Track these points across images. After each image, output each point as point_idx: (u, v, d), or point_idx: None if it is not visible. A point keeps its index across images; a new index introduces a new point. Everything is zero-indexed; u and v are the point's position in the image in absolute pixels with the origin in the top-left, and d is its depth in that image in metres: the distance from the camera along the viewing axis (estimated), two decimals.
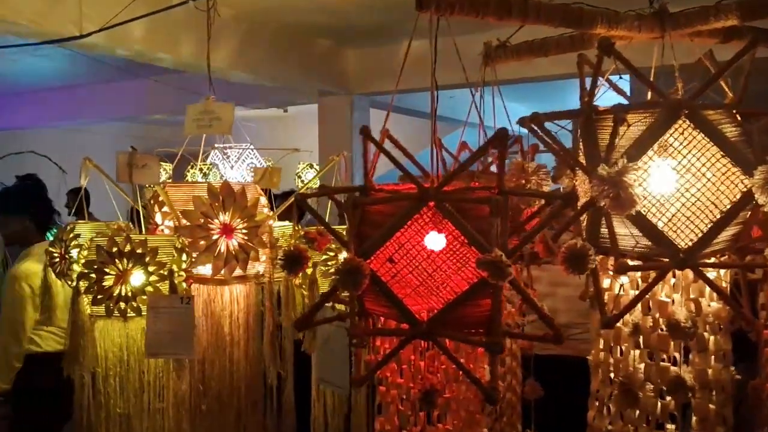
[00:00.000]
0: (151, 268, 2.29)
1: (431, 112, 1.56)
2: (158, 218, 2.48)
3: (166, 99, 7.48)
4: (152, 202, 2.49)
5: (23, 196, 3.52)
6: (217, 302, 2.46)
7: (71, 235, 2.32)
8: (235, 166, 7.90)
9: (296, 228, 2.63)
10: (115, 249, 2.27)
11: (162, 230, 2.47)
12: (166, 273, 2.33)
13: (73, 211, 2.66)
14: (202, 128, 2.60)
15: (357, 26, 5.28)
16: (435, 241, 1.18)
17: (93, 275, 2.28)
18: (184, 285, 2.37)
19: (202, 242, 2.44)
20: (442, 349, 1.19)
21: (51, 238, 4.02)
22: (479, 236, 1.12)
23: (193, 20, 3.77)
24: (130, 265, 2.27)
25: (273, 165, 3.02)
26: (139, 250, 2.28)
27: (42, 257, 3.06)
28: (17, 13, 3.85)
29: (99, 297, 2.28)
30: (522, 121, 1.71)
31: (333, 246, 2.57)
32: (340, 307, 1.50)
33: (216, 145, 8.29)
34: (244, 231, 2.45)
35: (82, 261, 2.33)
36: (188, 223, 2.44)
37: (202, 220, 2.44)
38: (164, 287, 2.32)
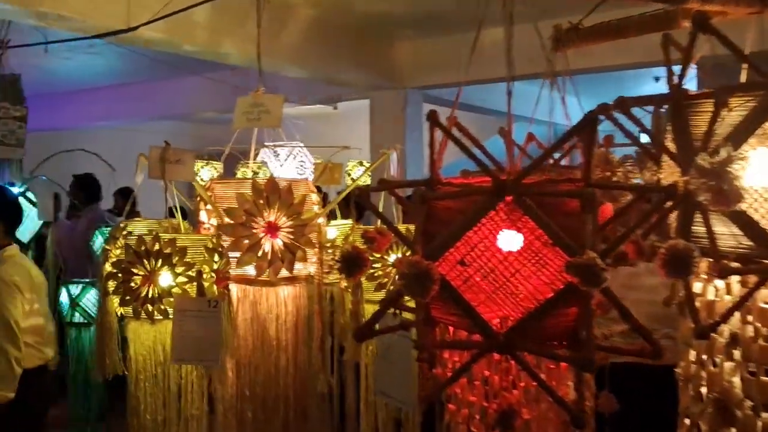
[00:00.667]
0: (178, 269, 2.15)
1: (507, 102, 1.38)
2: (203, 216, 2.35)
3: (218, 97, 7.44)
4: (199, 199, 2.37)
5: None
6: (263, 304, 2.32)
7: (124, 233, 2.21)
8: (285, 165, 7.83)
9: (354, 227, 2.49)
10: (143, 248, 2.15)
11: (207, 229, 2.34)
12: (195, 274, 2.18)
13: (126, 210, 2.54)
14: (251, 122, 2.47)
15: (410, 17, 5.10)
16: (511, 240, 1.00)
17: (120, 275, 2.17)
18: (215, 288, 2.23)
19: (245, 241, 2.31)
20: (522, 365, 1.01)
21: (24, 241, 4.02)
22: (565, 236, 0.94)
23: (249, 14, 3.70)
24: (158, 266, 2.14)
25: (331, 161, 2.86)
26: (167, 250, 2.15)
27: (17, 260, 3.04)
28: (69, 7, 3.81)
29: (127, 298, 2.16)
30: (604, 108, 1.51)
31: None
32: (405, 314, 1.34)
33: (266, 143, 8.26)
34: (290, 230, 2.32)
35: (111, 260, 2.23)
36: (231, 222, 2.32)
37: (246, 218, 2.31)
38: (208, 284, 2.19)
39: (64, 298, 3.47)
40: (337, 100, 6.73)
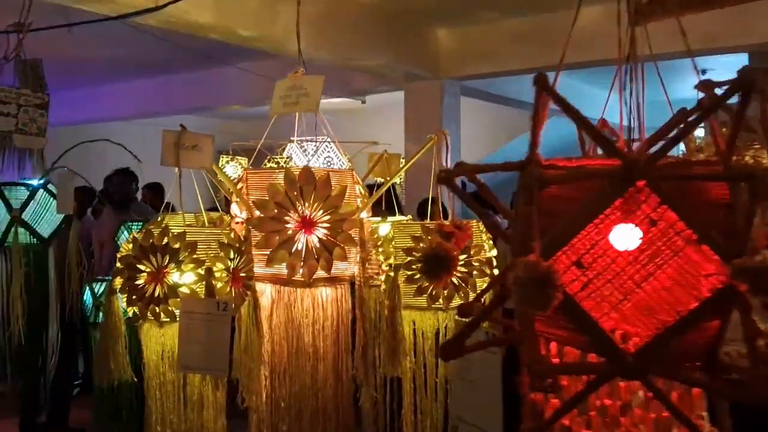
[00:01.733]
0: (185, 267, 1.94)
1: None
2: (234, 209, 2.16)
3: (247, 88, 7.28)
4: (231, 191, 2.18)
5: None
6: (298, 307, 2.12)
7: (162, 227, 2.02)
8: (312, 160, 7.67)
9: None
10: (150, 242, 1.95)
11: (240, 223, 2.15)
12: (205, 272, 1.97)
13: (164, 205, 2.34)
14: (289, 106, 2.27)
15: (448, 3, 4.87)
16: (627, 236, 0.79)
17: (126, 272, 1.98)
18: (233, 289, 2.02)
19: (276, 237, 2.12)
20: (656, 393, 0.80)
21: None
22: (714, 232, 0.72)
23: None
24: (166, 262, 1.94)
25: (387, 152, 2.65)
26: (175, 245, 1.94)
27: None
28: None
29: (133, 297, 1.97)
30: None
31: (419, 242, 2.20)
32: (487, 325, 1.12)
33: (292, 138, 8.10)
34: (327, 225, 2.12)
35: (120, 255, 2.03)
36: (261, 215, 2.13)
37: (277, 212, 2.12)
38: (219, 285, 1.98)
39: (87, 297, 3.27)
40: (368, 92, 6.50)
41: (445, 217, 2.34)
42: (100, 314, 3.16)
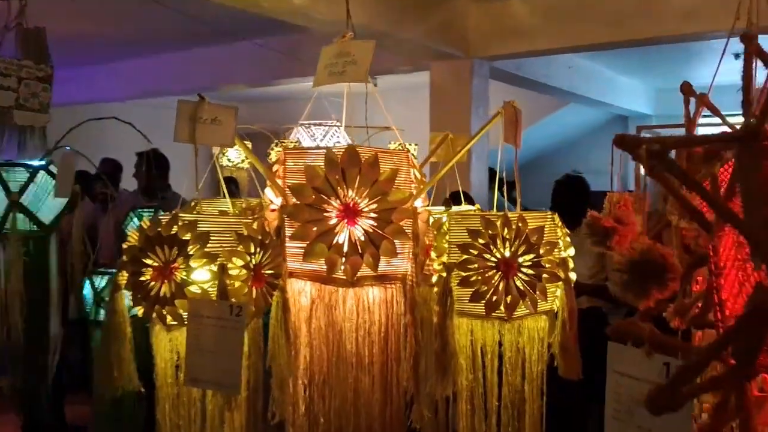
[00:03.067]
0: (195, 262, 1.68)
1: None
2: (269, 194, 1.91)
3: (253, 66, 7.01)
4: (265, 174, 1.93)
5: None
6: (339, 310, 1.88)
7: (193, 215, 1.76)
8: (321, 145, 7.42)
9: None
10: (157, 232, 1.70)
11: (274, 211, 1.90)
12: (219, 269, 1.71)
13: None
14: (334, 76, 2.01)
15: None
16: None
17: (130, 266, 1.72)
18: (252, 290, 1.76)
19: (314, 228, 1.86)
20: None
21: None
22: None
23: None
24: (173, 256, 1.69)
25: (451, 132, 2.38)
26: (185, 236, 1.69)
27: None
28: None
29: (138, 295, 1.72)
30: None
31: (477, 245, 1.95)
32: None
33: (300, 122, 7.82)
34: (375, 215, 1.87)
35: (125, 246, 1.77)
36: (297, 202, 1.88)
37: (315, 198, 1.87)
38: (236, 284, 1.72)
39: (87, 291, 2.98)
40: (391, 72, 6.22)
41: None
42: (101, 311, 2.89)
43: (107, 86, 8.09)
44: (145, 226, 1.66)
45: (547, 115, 8.30)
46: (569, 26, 4.67)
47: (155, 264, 1.63)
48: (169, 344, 1.64)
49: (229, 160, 6.95)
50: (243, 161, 6.99)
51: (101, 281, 2.99)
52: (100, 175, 4.83)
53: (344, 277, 1.87)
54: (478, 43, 4.91)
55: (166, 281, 1.62)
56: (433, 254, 1.96)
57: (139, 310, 1.66)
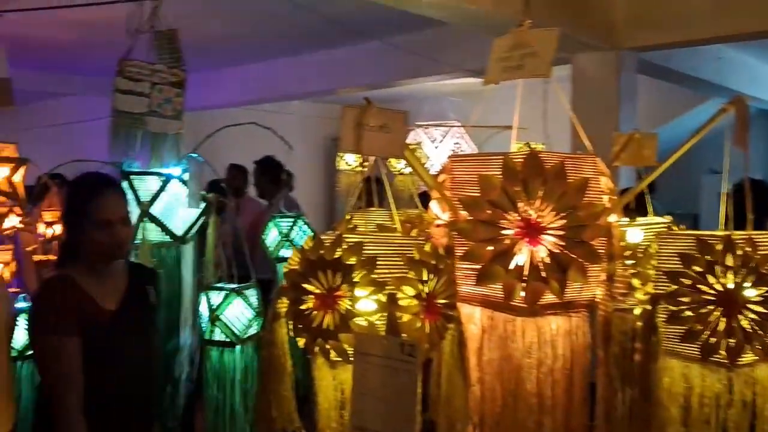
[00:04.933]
0: (360, 290, 1.47)
1: None
2: (434, 208, 1.69)
3: (374, 69, 6.87)
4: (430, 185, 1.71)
5: None
6: (517, 342, 1.63)
7: (347, 228, 1.57)
8: (440, 147, 7.18)
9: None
10: (320, 255, 1.48)
11: (441, 227, 1.68)
12: (387, 299, 1.48)
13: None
14: (510, 71, 1.78)
15: None
16: None
17: (290, 293, 1.52)
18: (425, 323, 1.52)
19: (489, 247, 1.62)
20: None
21: None
22: None
23: None
24: (337, 283, 1.48)
25: (638, 132, 2.09)
26: (349, 260, 1.48)
27: None
28: None
29: (299, 326, 1.53)
30: None
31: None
32: None
33: (417, 123, 7.62)
34: (561, 232, 1.60)
35: (287, 268, 1.58)
36: (468, 217, 1.64)
37: (491, 213, 1.62)
38: (407, 318, 1.49)
39: (203, 309, 2.81)
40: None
41: None
42: (216, 330, 2.74)
43: (218, 92, 8.19)
44: (306, 247, 1.46)
45: (685, 112, 7.70)
46: (728, 13, 4.22)
47: (317, 291, 1.44)
48: (333, 382, 1.44)
49: (347, 164, 6.83)
50: (360, 165, 6.85)
51: (218, 297, 2.80)
52: (218, 183, 4.80)
53: (523, 305, 1.62)
54: (625, 33, 4.51)
55: (329, 311, 1.42)
56: (635, 281, 1.66)
57: (300, 341, 1.47)
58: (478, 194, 1.64)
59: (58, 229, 4.65)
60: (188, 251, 2.85)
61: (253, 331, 2.80)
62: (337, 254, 1.43)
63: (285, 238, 3.30)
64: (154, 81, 2.82)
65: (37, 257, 4.70)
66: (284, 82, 7.71)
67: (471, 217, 1.64)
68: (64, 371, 2.06)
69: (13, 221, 4.19)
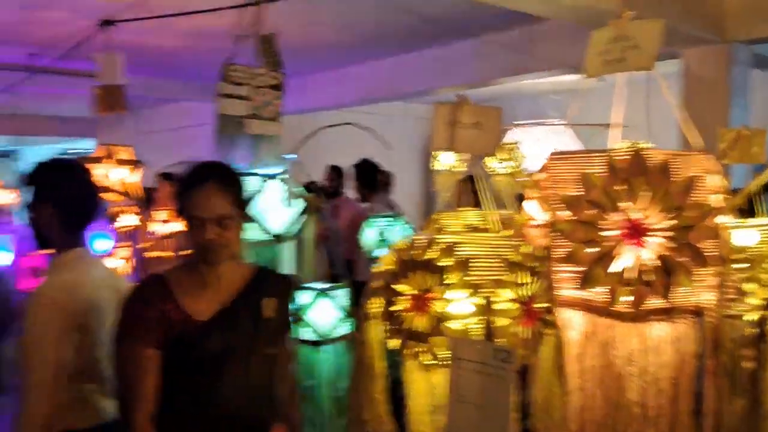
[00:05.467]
0: (453, 292, 1.44)
1: None
2: (529, 207, 1.64)
3: (473, 67, 6.79)
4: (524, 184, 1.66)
5: (49, 175, 2.22)
6: (619, 350, 1.55)
7: (436, 228, 1.56)
8: (540, 146, 7.02)
9: None
10: (411, 255, 1.45)
11: (538, 227, 1.63)
12: (484, 302, 1.44)
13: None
14: (611, 65, 1.71)
15: None
16: None
17: (382, 294, 1.51)
18: (521, 328, 1.47)
19: (591, 249, 1.56)
20: None
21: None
22: None
23: None
24: (430, 284, 1.47)
25: (744, 127, 1.98)
26: (442, 261, 1.45)
27: (79, 269, 2.14)
28: None
29: (391, 327, 1.52)
30: None
31: None
32: None
33: (515, 122, 7.46)
34: (668, 233, 1.51)
35: (379, 269, 1.57)
36: (570, 217, 1.58)
37: (593, 213, 1.56)
38: (503, 322, 1.44)
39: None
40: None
41: None
42: (298, 329, 2.76)
43: (316, 94, 8.32)
44: (400, 248, 1.45)
45: None
46: None
47: (410, 292, 1.42)
48: (424, 386, 1.42)
49: (442, 163, 6.77)
50: (458, 164, 6.76)
51: (306, 297, 2.81)
52: (314, 184, 4.89)
53: (626, 310, 1.54)
54: (737, 25, 4.21)
55: (421, 313, 1.40)
56: (749, 286, 1.55)
57: (392, 343, 1.46)
58: (580, 193, 1.57)
59: (172, 227, 4.90)
60: (286, 250, 2.91)
61: (342, 331, 2.82)
62: (430, 255, 1.41)
63: (381, 238, 3.31)
64: (255, 84, 2.90)
65: (151, 254, 4.97)
66: (381, 84, 7.74)
67: (571, 217, 1.58)
68: (131, 381, 1.87)
69: (130, 220, 4.44)
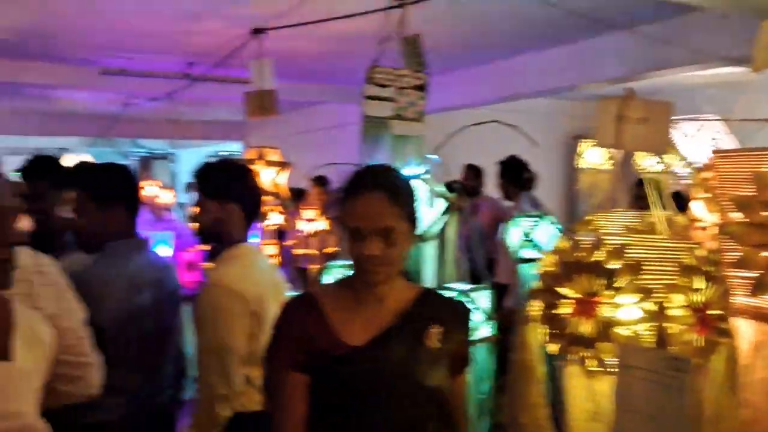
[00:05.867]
0: (622, 297, 1.36)
1: None
2: (697, 208, 1.53)
3: (620, 60, 6.50)
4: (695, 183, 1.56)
5: (232, 174, 2.38)
6: None
7: (589, 230, 1.51)
8: (694, 142, 6.60)
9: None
10: (577, 258, 1.38)
11: (704, 229, 1.52)
12: (656, 308, 1.34)
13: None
14: None
15: None
16: None
17: (544, 297, 1.45)
18: (695, 336, 1.36)
19: (762, 253, 1.43)
20: None
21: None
22: None
23: None
24: (598, 288, 1.40)
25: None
26: (611, 264, 1.37)
27: (249, 261, 2.27)
28: None
29: (554, 331, 1.46)
30: None
31: None
32: None
33: (672, 117, 7.06)
34: None
35: (541, 270, 1.52)
36: (741, 219, 1.46)
37: (766, 214, 1.43)
38: (676, 329, 1.35)
39: None
40: None
41: None
42: None
43: (458, 92, 8.28)
44: (562, 249, 1.41)
45: None
46: None
47: (575, 296, 1.37)
48: (586, 392, 1.36)
49: (587, 162, 6.54)
50: (606, 163, 6.48)
51: None
52: (454, 183, 4.86)
53: None
54: None
55: (587, 317, 1.34)
56: None
57: (551, 347, 1.42)
58: (752, 194, 1.45)
59: (317, 225, 5.10)
60: (429, 250, 2.92)
61: (483, 333, 2.78)
62: (597, 257, 1.35)
63: (527, 238, 3.24)
64: (399, 86, 2.94)
65: (297, 251, 5.19)
66: (524, 80, 7.58)
67: (744, 219, 1.46)
68: (276, 402, 1.73)
69: (277, 219, 4.65)
